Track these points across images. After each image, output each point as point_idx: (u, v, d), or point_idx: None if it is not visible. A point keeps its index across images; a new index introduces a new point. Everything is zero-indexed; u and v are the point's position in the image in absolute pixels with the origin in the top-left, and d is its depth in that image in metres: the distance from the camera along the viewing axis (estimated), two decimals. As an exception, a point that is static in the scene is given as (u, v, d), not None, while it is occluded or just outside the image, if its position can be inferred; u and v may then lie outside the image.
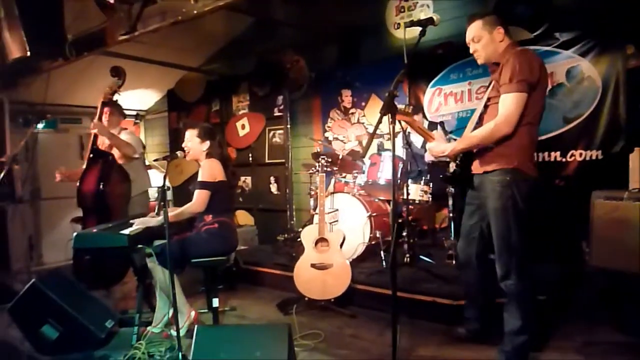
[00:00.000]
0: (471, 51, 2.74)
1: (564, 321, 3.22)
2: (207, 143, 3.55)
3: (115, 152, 4.32)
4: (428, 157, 4.53)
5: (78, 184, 4.07)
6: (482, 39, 2.66)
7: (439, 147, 2.79)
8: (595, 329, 3.16)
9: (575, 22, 4.21)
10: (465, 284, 3.08)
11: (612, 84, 4.09)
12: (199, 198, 3.39)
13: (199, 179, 3.46)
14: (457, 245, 3.05)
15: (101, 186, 4.02)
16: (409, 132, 4.84)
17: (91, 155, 4.11)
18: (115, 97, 4.25)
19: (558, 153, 4.31)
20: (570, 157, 4.27)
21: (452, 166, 2.93)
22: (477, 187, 2.79)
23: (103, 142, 4.35)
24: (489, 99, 2.71)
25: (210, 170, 3.47)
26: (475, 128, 2.78)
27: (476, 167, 2.77)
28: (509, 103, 2.51)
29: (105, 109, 4.23)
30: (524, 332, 2.62)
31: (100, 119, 4.12)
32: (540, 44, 4.31)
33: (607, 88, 4.11)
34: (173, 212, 3.31)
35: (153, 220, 3.27)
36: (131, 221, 3.28)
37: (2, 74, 5.26)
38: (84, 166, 4.13)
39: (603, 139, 4.14)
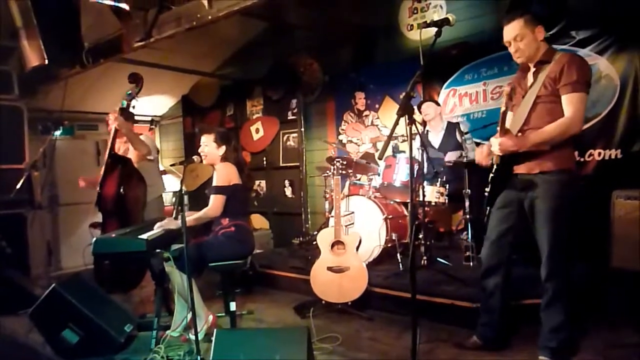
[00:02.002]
0: (512, 50, 2.70)
1: (586, 323, 3.17)
2: (223, 148, 3.57)
3: (132, 156, 4.36)
4: (448, 158, 4.50)
5: (98, 188, 4.12)
6: (525, 37, 2.64)
7: (510, 141, 2.62)
8: (618, 331, 3.11)
9: (591, 20, 4.17)
10: (487, 290, 2.93)
11: (630, 82, 4.04)
12: (215, 203, 3.41)
13: (214, 183, 3.48)
14: (483, 251, 2.93)
15: (121, 190, 4.06)
16: (427, 131, 4.82)
17: (109, 160, 4.16)
18: (133, 102, 4.28)
19: (576, 153, 4.25)
20: (589, 156, 4.21)
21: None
22: (522, 189, 2.73)
23: (119, 148, 4.40)
24: (538, 97, 2.63)
25: (226, 175, 3.49)
26: (522, 128, 2.69)
27: (528, 168, 2.69)
28: (579, 102, 2.54)
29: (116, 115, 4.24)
30: (567, 327, 2.68)
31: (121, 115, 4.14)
32: (556, 42, 4.26)
33: (626, 86, 4.05)
34: (191, 216, 3.34)
35: (173, 223, 3.30)
36: (156, 225, 3.31)
37: (21, 82, 5.35)
38: (102, 171, 4.18)
39: (622, 138, 4.08)
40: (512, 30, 2.66)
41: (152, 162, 4.53)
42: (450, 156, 4.47)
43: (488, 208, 2.91)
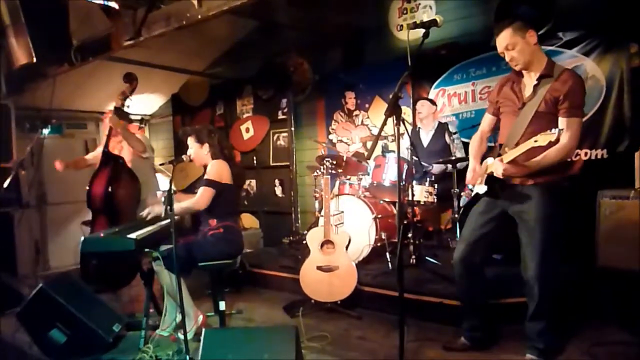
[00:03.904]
0: (507, 59, 2.67)
1: (572, 322, 3.21)
2: (206, 145, 3.56)
3: (125, 155, 4.36)
4: (436, 169, 4.54)
5: (88, 186, 4.12)
6: (517, 45, 2.60)
7: (513, 169, 2.58)
8: (603, 329, 3.15)
9: (578, 22, 4.21)
10: (466, 292, 2.96)
11: (616, 83, 4.09)
12: (204, 195, 3.38)
13: (206, 176, 3.47)
14: (457, 252, 2.91)
15: (110, 189, 4.06)
16: (419, 128, 4.84)
17: (103, 158, 4.18)
18: (127, 102, 4.29)
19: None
20: (575, 156, 4.25)
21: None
22: (512, 197, 2.70)
23: (114, 147, 4.40)
24: (537, 112, 2.59)
25: (218, 170, 3.47)
26: (523, 139, 2.58)
27: (521, 180, 2.67)
28: (578, 126, 2.58)
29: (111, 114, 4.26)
30: (553, 329, 2.72)
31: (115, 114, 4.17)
32: (543, 43, 4.29)
33: (611, 87, 4.11)
34: (179, 204, 3.30)
35: (158, 207, 3.37)
36: (145, 211, 3.37)
37: (9, 80, 5.30)
38: (96, 168, 4.22)
39: (608, 138, 4.14)
40: (503, 40, 2.63)
41: (147, 160, 4.53)
42: (436, 168, 4.53)
43: (462, 208, 2.92)
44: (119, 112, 4.32)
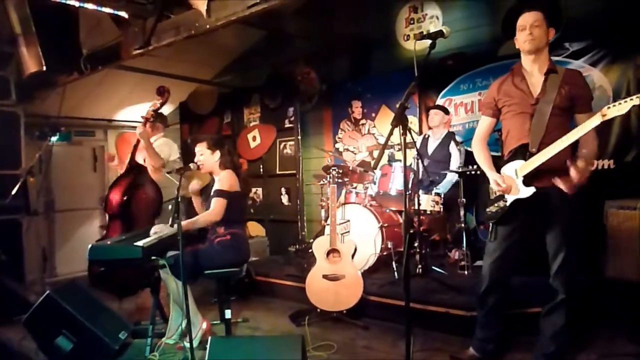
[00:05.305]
0: (526, 34, 2.66)
1: (580, 333, 3.19)
2: (218, 153, 3.59)
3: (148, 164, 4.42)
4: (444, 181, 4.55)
5: (107, 191, 4.21)
6: (541, 28, 2.65)
7: (586, 173, 2.61)
8: (611, 341, 3.12)
9: (585, 32, 4.22)
10: (488, 305, 2.88)
11: (623, 93, 4.08)
12: (217, 206, 3.40)
13: (217, 187, 3.49)
14: (487, 266, 2.86)
15: (126, 196, 4.11)
16: (428, 136, 4.84)
17: (128, 166, 4.27)
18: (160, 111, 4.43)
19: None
20: (582, 166, 4.23)
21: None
22: (537, 202, 2.66)
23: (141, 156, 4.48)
24: (553, 108, 2.61)
25: (228, 181, 3.51)
26: (546, 136, 2.60)
27: (549, 182, 2.64)
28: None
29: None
30: (567, 333, 2.71)
31: (145, 125, 4.24)
32: (550, 54, 4.30)
33: (619, 97, 4.07)
34: (189, 219, 3.35)
35: (167, 228, 3.32)
36: (151, 231, 3.35)
37: (19, 88, 5.36)
38: (120, 174, 4.33)
39: (615, 149, 4.12)
40: (532, 17, 2.66)
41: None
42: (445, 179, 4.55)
43: (491, 224, 2.87)
44: (160, 116, 4.51)
